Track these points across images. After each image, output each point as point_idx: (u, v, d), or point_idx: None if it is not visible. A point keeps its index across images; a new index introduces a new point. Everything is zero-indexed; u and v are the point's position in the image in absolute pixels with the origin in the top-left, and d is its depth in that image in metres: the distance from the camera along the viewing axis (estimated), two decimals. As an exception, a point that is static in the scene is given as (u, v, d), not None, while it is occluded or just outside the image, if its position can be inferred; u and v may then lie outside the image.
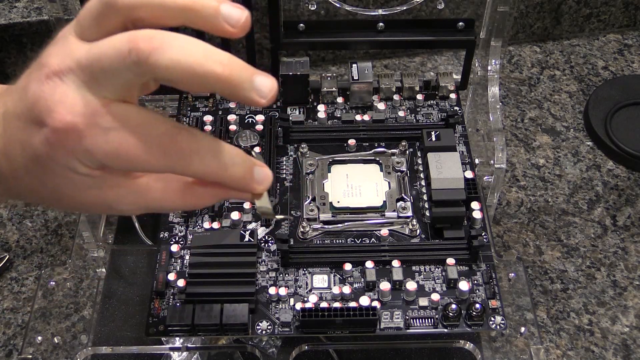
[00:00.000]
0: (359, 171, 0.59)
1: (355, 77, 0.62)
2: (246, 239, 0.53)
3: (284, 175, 0.59)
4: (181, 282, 0.52)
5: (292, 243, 0.54)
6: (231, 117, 0.63)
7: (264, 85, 0.34)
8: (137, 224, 0.63)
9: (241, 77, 0.33)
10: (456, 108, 0.64)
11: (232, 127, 0.62)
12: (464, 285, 0.52)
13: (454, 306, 0.51)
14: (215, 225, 0.55)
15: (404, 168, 0.59)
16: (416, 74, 0.65)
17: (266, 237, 0.55)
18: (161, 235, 0.55)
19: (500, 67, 0.62)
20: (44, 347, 0.55)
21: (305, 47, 0.65)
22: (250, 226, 0.56)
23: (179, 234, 0.55)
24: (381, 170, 0.59)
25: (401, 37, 0.63)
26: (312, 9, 0.69)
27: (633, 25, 0.93)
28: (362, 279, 0.53)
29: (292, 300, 0.51)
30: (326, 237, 0.55)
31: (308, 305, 0.51)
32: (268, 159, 0.59)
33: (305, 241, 0.55)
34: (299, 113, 0.64)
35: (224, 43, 0.61)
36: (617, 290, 0.68)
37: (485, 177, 0.62)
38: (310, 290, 0.52)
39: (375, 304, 0.51)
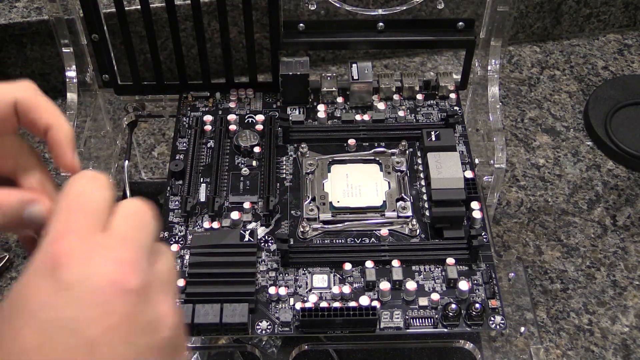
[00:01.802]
0: (359, 171, 0.59)
1: (355, 77, 0.62)
2: (246, 238, 0.53)
3: (284, 175, 0.59)
4: (181, 282, 0.52)
5: (292, 243, 0.54)
6: (231, 117, 0.63)
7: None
8: (137, 224, 0.63)
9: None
10: (456, 108, 0.64)
11: (232, 127, 0.62)
12: (463, 285, 0.52)
13: (453, 306, 0.51)
14: (215, 225, 0.55)
15: (403, 168, 0.59)
16: (416, 74, 0.65)
17: (266, 237, 0.55)
18: (161, 235, 0.55)
19: (500, 67, 0.62)
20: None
21: (305, 47, 0.65)
22: (250, 226, 0.56)
23: (179, 233, 0.55)
24: (381, 170, 0.59)
25: (401, 37, 0.63)
26: (312, 9, 0.69)
27: (633, 25, 0.93)
28: (362, 279, 0.53)
29: (292, 300, 0.51)
30: (326, 237, 0.55)
31: (308, 305, 0.51)
32: (268, 159, 0.59)
33: (305, 241, 0.55)
34: (299, 113, 0.64)
35: (224, 43, 0.61)
36: (617, 290, 0.68)
37: (485, 177, 0.62)
38: (310, 290, 0.52)
39: (375, 303, 0.51)
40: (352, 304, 0.51)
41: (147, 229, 0.33)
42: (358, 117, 0.62)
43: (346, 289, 0.51)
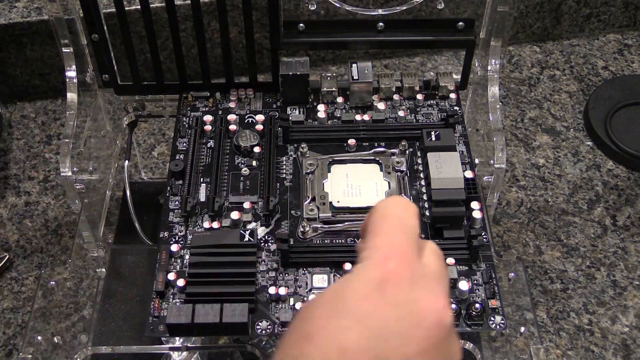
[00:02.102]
0: (359, 171, 0.59)
1: (355, 77, 0.62)
2: (246, 238, 0.53)
3: (284, 175, 0.59)
4: (181, 282, 0.52)
5: (292, 243, 0.54)
6: (231, 117, 0.63)
7: None
8: (137, 224, 0.63)
9: None
10: (456, 108, 0.64)
11: (232, 127, 0.62)
12: (463, 285, 0.52)
13: (453, 306, 0.51)
14: (215, 225, 0.55)
15: (403, 168, 0.59)
16: (416, 74, 0.64)
17: (266, 236, 0.55)
18: (161, 235, 0.55)
19: (500, 67, 0.62)
20: (44, 347, 0.55)
21: (305, 47, 0.65)
22: (250, 226, 0.56)
23: (179, 233, 0.55)
24: (381, 170, 0.59)
25: (401, 37, 0.63)
26: (312, 9, 0.69)
27: (633, 25, 0.94)
28: (362, 279, 0.53)
29: (292, 299, 0.51)
30: (326, 236, 0.55)
31: (308, 305, 0.51)
32: (268, 159, 0.59)
33: (305, 241, 0.55)
34: (299, 113, 0.64)
35: (224, 43, 0.61)
36: (617, 290, 0.68)
37: (485, 177, 0.62)
38: (310, 290, 0.52)
39: (375, 303, 0.51)
40: (352, 304, 0.51)
41: (446, 269, 0.38)
42: (358, 117, 0.62)
43: (346, 289, 0.51)
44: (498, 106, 0.61)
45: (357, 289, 0.34)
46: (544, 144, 0.80)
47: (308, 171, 0.59)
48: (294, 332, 0.35)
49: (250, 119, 0.63)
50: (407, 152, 0.60)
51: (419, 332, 0.33)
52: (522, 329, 0.55)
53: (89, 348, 0.56)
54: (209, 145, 0.61)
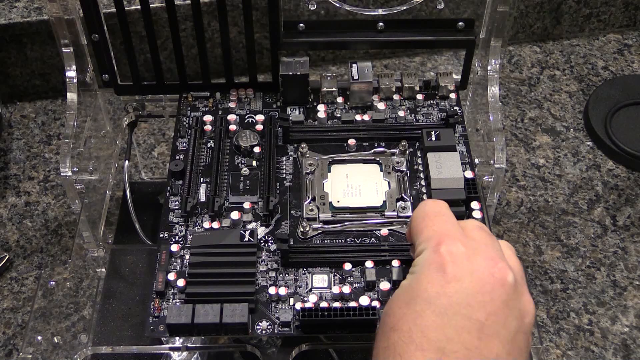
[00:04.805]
0: (359, 171, 0.59)
1: (355, 77, 0.62)
2: (246, 238, 0.53)
3: (284, 175, 0.59)
4: (181, 282, 0.52)
5: (292, 243, 0.54)
6: (231, 117, 0.63)
7: None
8: (137, 224, 0.63)
9: None
10: (456, 108, 0.64)
11: (232, 127, 0.62)
12: (463, 285, 0.52)
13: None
14: (215, 225, 0.55)
15: (403, 168, 0.59)
16: (416, 74, 0.64)
17: (266, 236, 0.55)
18: (161, 235, 0.55)
19: (500, 67, 0.62)
20: (44, 347, 0.55)
21: (305, 47, 0.65)
22: (250, 226, 0.56)
23: (179, 233, 0.55)
24: (381, 170, 0.59)
25: (401, 37, 0.63)
26: (312, 8, 0.69)
27: (633, 25, 0.94)
28: (362, 279, 0.53)
29: (292, 300, 0.51)
30: (326, 237, 0.55)
31: (308, 305, 0.51)
32: (268, 159, 0.59)
33: (305, 241, 0.55)
34: (299, 113, 0.64)
35: (224, 43, 0.61)
36: (617, 290, 0.68)
37: (485, 177, 0.62)
38: (310, 290, 0.52)
39: (375, 303, 0.51)
40: (352, 304, 0.51)
41: (493, 237, 0.42)
42: (358, 117, 0.62)
43: (346, 289, 0.51)
44: (498, 106, 0.61)
45: (422, 277, 0.39)
46: (544, 144, 0.80)
47: (308, 171, 0.59)
48: (381, 327, 0.39)
49: (250, 119, 0.63)
50: (407, 152, 0.60)
51: (483, 297, 0.37)
52: (522, 329, 0.55)
53: (89, 348, 0.56)
54: (209, 145, 0.61)
